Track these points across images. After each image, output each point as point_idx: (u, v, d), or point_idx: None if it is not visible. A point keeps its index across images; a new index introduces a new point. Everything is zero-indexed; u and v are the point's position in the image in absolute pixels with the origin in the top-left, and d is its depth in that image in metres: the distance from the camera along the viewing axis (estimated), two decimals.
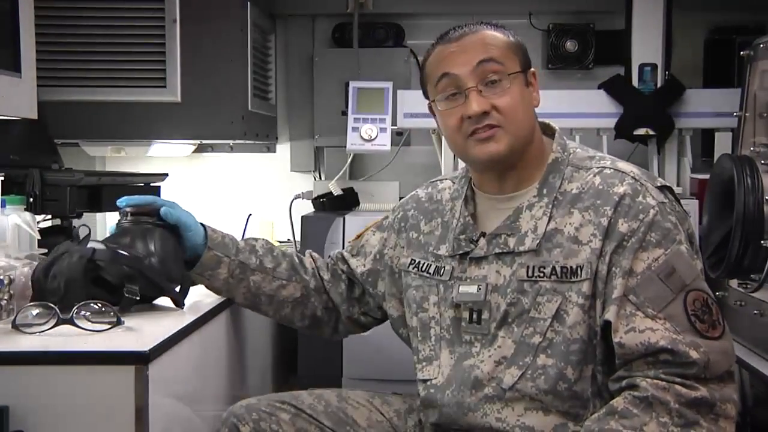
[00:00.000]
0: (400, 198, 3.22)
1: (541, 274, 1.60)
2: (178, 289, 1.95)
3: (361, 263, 1.94)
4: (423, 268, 1.77)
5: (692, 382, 1.47)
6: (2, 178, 1.99)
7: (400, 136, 3.24)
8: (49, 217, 2.32)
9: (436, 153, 3.11)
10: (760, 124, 2.21)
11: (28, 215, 2.02)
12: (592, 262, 1.56)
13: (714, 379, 1.49)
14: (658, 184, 1.64)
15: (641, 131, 2.91)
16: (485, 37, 1.66)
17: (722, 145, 2.79)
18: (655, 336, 1.49)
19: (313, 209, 3.12)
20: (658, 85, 2.89)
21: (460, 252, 1.71)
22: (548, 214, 1.62)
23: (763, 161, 2.12)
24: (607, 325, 1.53)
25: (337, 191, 3.12)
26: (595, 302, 1.56)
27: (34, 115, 2.14)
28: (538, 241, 1.61)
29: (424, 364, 1.73)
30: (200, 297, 2.08)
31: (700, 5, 3.33)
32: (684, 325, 1.51)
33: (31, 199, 2.16)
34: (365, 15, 3.42)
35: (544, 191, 1.65)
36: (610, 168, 1.64)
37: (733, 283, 2.28)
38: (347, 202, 3.12)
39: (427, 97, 1.75)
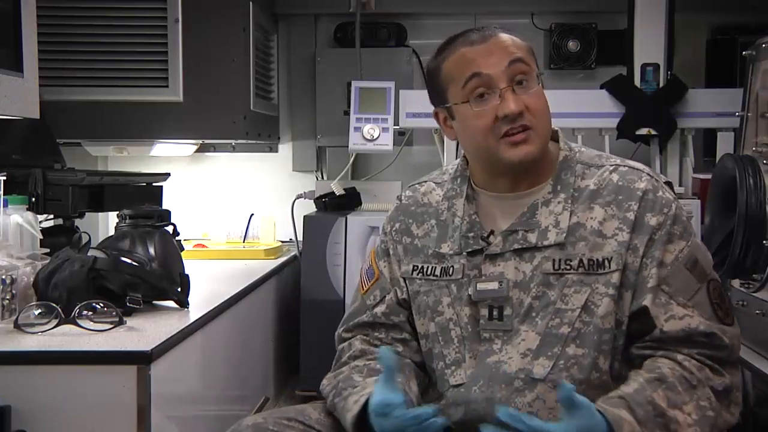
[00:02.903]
0: None
1: (568, 267, 1.61)
2: (179, 289, 1.96)
3: (398, 293, 1.76)
4: (428, 272, 1.73)
5: (719, 366, 1.56)
6: (4, 178, 1.99)
7: (402, 136, 3.24)
8: (52, 216, 2.32)
9: (438, 153, 3.11)
10: (762, 124, 2.21)
11: (30, 215, 2.03)
12: (621, 254, 1.59)
13: (732, 364, 1.59)
14: (665, 180, 1.70)
15: (643, 131, 2.91)
16: (508, 40, 1.64)
17: (724, 145, 2.79)
18: (694, 321, 1.56)
19: (315, 209, 3.13)
20: (661, 85, 2.89)
21: (469, 250, 1.68)
22: (569, 209, 1.63)
23: (765, 161, 2.12)
24: (641, 311, 1.58)
25: (339, 191, 3.12)
26: (624, 293, 1.60)
27: (36, 115, 2.14)
28: (564, 235, 1.61)
29: (453, 368, 1.67)
30: (202, 297, 2.08)
31: (703, 5, 3.33)
32: (709, 312, 1.59)
33: (34, 199, 2.16)
34: (367, 15, 3.42)
35: (559, 187, 1.66)
36: (624, 165, 1.67)
37: (735, 283, 2.28)
38: (349, 201, 3.12)
39: (438, 102, 1.71)
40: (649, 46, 2.91)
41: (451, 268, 1.70)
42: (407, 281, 1.75)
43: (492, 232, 1.67)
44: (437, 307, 1.70)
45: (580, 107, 2.94)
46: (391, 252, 1.79)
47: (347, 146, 3.04)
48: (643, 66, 2.90)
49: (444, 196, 1.76)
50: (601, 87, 2.96)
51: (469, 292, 1.66)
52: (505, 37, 1.64)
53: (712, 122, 2.90)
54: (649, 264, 1.59)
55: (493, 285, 1.64)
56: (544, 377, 1.58)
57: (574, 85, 3.42)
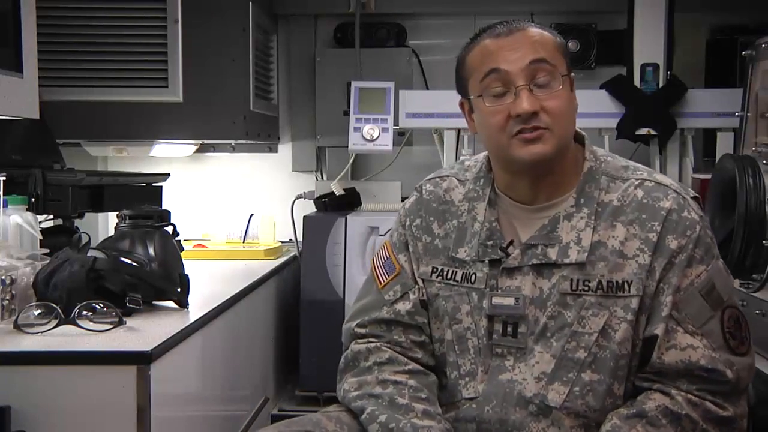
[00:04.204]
0: (402, 198, 3.27)
1: (586, 288, 1.55)
2: (179, 290, 1.96)
3: (421, 292, 1.71)
4: (449, 276, 1.67)
5: (721, 400, 1.51)
6: (4, 178, 1.98)
7: (402, 136, 3.24)
8: (51, 217, 2.32)
9: (437, 153, 3.11)
10: (761, 124, 2.21)
11: (30, 215, 2.03)
12: (642, 279, 1.53)
13: (738, 395, 1.54)
14: (692, 195, 1.63)
15: (643, 131, 2.91)
16: (536, 35, 1.58)
17: (724, 145, 2.79)
18: (696, 354, 1.51)
19: (315, 209, 3.13)
20: (660, 85, 2.89)
21: (488, 259, 1.62)
22: (591, 226, 1.57)
23: (765, 161, 2.12)
24: (652, 338, 1.53)
25: (339, 191, 3.12)
26: (639, 317, 1.54)
27: (36, 115, 2.14)
28: (586, 254, 1.55)
29: (467, 379, 1.62)
30: (202, 297, 2.08)
31: (702, 5, 3.33)
32: (719, 342, 1.53)
33: (33, 199, 2.16)
34: (367, 15, 3.42)
35: (582, 201, 1.59)
36: (650, 180, 1.60)
37: (735, 283, 2.28)
38: (349, 202, 3.12)
39: (461, 93, 1.66)
40: (648, 46, 2.91)
41: (474, 276, 1.64)
42: (425, 283, 1.70)
43: (512, 242, 1.62)
44: (455, 314, 1.65)
45: (579, 107, 2.92)
46: (410, 248, 1.72)
47: (347, 146, 3.04)
48: (643, 66, 2.90)
49: (465, 196, 1.70)
50: (601, 87, 2.96)
51: (484, 305, 1.61)
52: (533, 32, 1.58)
53: (712, 122, 2.90)
54: (666, 290, 1.53)
55: (510, 300, 1.59)
56: (559, 405, 1.54)
57: (574, 85, 3.42)
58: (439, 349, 1.68)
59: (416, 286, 1.70)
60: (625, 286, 1.54)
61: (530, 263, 1.58)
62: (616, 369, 1.54)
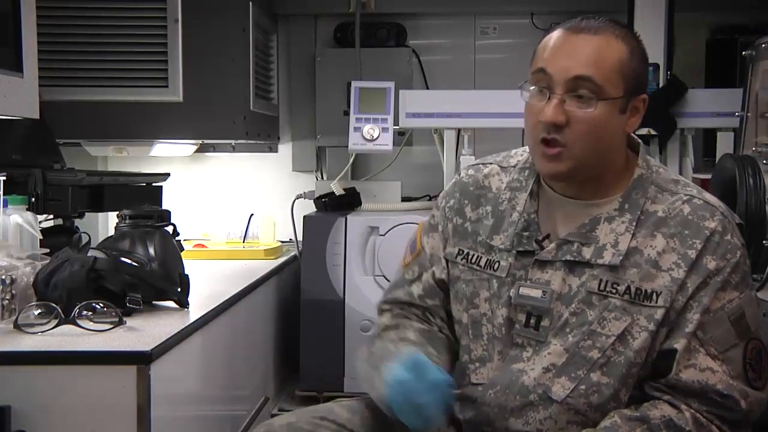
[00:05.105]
0: (402, 198, 3.27)
1: (614, 291, 1.54)
2: (179, 290, 1.96)
3: (435, 273, 1.73)
4: (473, 260, 1.67)
5: (728, 427, 1.50)
6: (4, 178, 1.98)
7: (402, 136, 3.25)
8: (51, 216, 2.32)
9: (437, 153, 3.11)
10: (762, 124, 2.21)
11: (30, 215, 2.03)
12: (672, 291, 1.51)
13: (744, 426, 1.53)
14: (738, 221, 1.62)
15: (643, 131, 2.90)
16: (598, 49, 1.52)
17: (724, 145, 2.79)
18: (714, 378, 1.50)
19: (315, 209, 3.13)
20: (660, 84, 2.89)
21: (521, 249, 1.62)
22: (631, 231, 1.55)
23: (765, 161, 2.12)
24: (670, 352, 1.51)
25: (339, 191, 3.12)
26: (660, 329, 1.53)
27: (36, 115, 2.14)
28: (621, 258, 1.54)
29: (477, 365, 1.64)
30: (202, 297, 2.08)
31: (702, 5, 3.33)
32: (738, 370, 1.52)
33: (33, 199, 2.16)
34: (367, 15, 3.42)
35: (626, 206, 1.57)
36: (699, 198, 1.58)
37: None
38: (349, 201, 3.12)
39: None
40: (648, 46, 2.82)
41: (497, 264, 1.64)
42: (449, 264, 1.71)
43: (548, 236, 1.61)
44: (474, 299, 1.66)
45: None
46: (440, 228, 1.74)
47: (347, 146, 3.04)
48: None
49: (508, 185, 1.69)
50: None
51: (510, 294, 1.61)
52: (598, 43, 1.52)
53: (712, 122, 2.90)
54: (695, 307, 1.51)
55: (537, 293, 1.58)
56: (561, 400, 1.54)
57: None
58: (457, 330, 1.70)
59: (432, 268, 1.72)
60: (654, 296, 1.52)
61: (563, 258, 1.58)
62: (627, 376, 1.53)
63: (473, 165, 1.78)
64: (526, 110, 1.59)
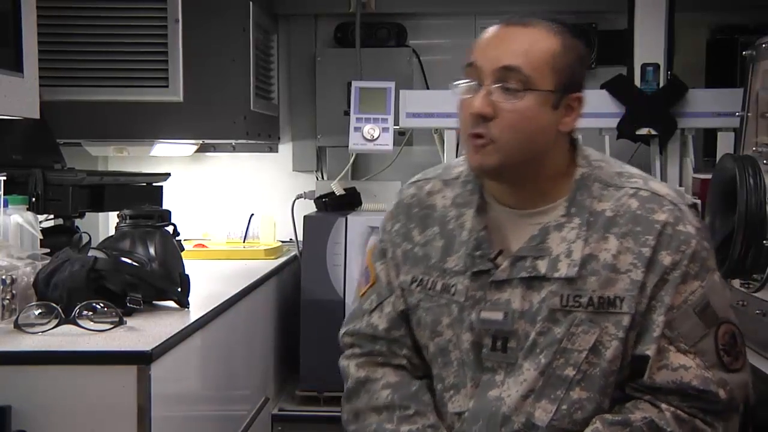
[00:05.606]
0: None
1: (577, 304, 1.49)
2: (179, 290, 1.96)
3: (396, 304, 1.67)
4: (428, 286, 1.61)
5: (711, 418, 1.49)
6: (5, 178, 1.99)
7: (403, 136, 3.24)
8: (52, 216, 2.32)
9: (438, 153, 3.11)
10: (762, 124, 2.21)
11: (30, 215, 2.03)
12: (634, 296, 1.49)
13: (730, 412, 1.51)
14: (690, 203, 1.58)
15: (644, 131, 2.91)
16: (529, 40, 1.49)
17: (724, 145, 2.79)
18: (688, 375, 1.48)
19: (315, 209, 3.13)
20: (661, 84, 2.89)
21: (474, 270, 1.56)
22: (583, 237, 1.51)
23: (765, 161, 2.11)
24: (644, 358, 1.49)
25: (339, 191, 3.12)
26: (629, 333, 1.50)
27: (36, 115, 2.14)
28: (576, 268, 1.49)
29: (452, 392, 1.60)
30: (202, 297, 2.08)
31: (703, 5, 3.33)
32: (712, 360, 1.50)
33: (34, 199, 2.16)
34: (367, 15, 3.42)
35: (573, 210, 1.53)
36: (646, 189, 1.54)
37: (736, 283, 2.27)
38: (349, 201, 3.12)
39: None
40: (649, 46, 2.91)
41: (454, 287, 1.58)
42: (405, 292, 1.65)
43: (501, 252, 1.56)
44: (436, 326, 1.61)
45: None
46: (389, 255, 1.68)
47: (347, 146, 3.04)
48: (643, 66, 2.90)
49: (453, 201, 1.64)
50: (601, 87, 2.95)
51: (472, 319, 1.56)
52: (528, 35, 1.50)
53: (713, 122, 2.90)
54: (658, 308, 1.49)
55: (498, 315, 1.54)
56: (546, 425, 1.51)
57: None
58: (426, 356, 1.65)
59: (392, 296, 1.66)
60: (617, 302, 1.49)
61: (519, 276, 1.53)
62: (605, 386, 1.51)
63: (414, 182, 1.71)
64: (458, 107, 1.54)
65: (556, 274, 1.51)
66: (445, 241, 1.62)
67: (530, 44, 1.50)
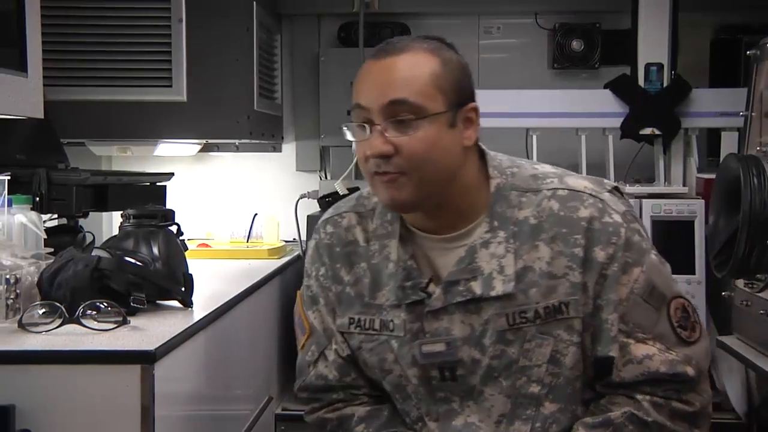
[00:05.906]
0: None
1: (524, 320, 1.46)
2: (183, 289, 1.96)
3: (340, 350, 1.65)
4: (366, 326, 1.57)
5: (686, 396, 1.49)
6: (8, 178, 1.99)
7: None
8: (56, 216, 2.32)
9: None
10: (766, 124, 2.21)
11: (34, 214, 2.03)
12: (578, 298, 1.47)
13: (702, 384, 1.52)
14: (609, 188, 1.55)
15: (647, 131, 2.91)
16: (406, 69, 1.46)
17: (728, 144, 2.79)
18: (654, 363, 1.48)
19: (318, 209, 3.12)
20: (665, 84, 2.90)
21: (408, 302, 1.52)
22: (512, 251, 1.47)
23: None
24: (608, 360, 1.48)
25: (342, 191, 3.11)
26: (583, 334, 1.49)
27: (40, 115, 2.14)
28: (512, 283, 1.46)
29: (420, 425, 1.57)
30: (206, 296, 2.08)
31: (707, 5, 3.33)
32: (672, 339, 1.50)
33: (38, 199, 2.16)
34: (371, 14, 3.42)
35: (496, 224, 1.49)
36: (563, 188, 1.51)
37: (739, 282, 2.28)
38: None
39: None
40: (653, 45, 2.91)
41: (391, 323, 1.54)
42: (345, 336, 1.61)
43: (431, 280, 1.52)
44: (383, 365, 1.58)
45: (583, 107, 2.95)
46: (321, 301, 1.65)
47: (351, 146, 3.03)
48: (647, 66, 2.90)
49: (373, 234, 1.59)
50: (605, 87, 2.96)
51: (414, 354, 1.53)
52: (404, 64, 1.46)
53: (716, 122, 2.90)
54: (606, 307, 1.47)
55: (440, 347, 1.50)
56: None
57: (578, 84, 3.42)
58: (386, 391, 1.63)
59: (332, 343, 1.63)
60: (563, 308, 1.47)
61: (455, 301, 1.49)
62: (573, 393, 1.51)
63: (328, 219, 1.66)
64: (355, 149, 1.52)
65: (493, 293, 1.47)
66: (372, 277, 1.57)
67: (410, 71, 1.46)
